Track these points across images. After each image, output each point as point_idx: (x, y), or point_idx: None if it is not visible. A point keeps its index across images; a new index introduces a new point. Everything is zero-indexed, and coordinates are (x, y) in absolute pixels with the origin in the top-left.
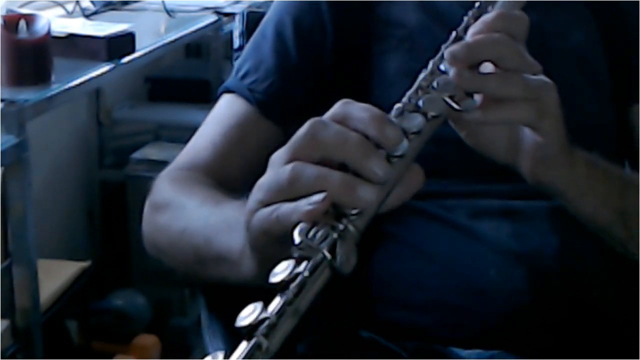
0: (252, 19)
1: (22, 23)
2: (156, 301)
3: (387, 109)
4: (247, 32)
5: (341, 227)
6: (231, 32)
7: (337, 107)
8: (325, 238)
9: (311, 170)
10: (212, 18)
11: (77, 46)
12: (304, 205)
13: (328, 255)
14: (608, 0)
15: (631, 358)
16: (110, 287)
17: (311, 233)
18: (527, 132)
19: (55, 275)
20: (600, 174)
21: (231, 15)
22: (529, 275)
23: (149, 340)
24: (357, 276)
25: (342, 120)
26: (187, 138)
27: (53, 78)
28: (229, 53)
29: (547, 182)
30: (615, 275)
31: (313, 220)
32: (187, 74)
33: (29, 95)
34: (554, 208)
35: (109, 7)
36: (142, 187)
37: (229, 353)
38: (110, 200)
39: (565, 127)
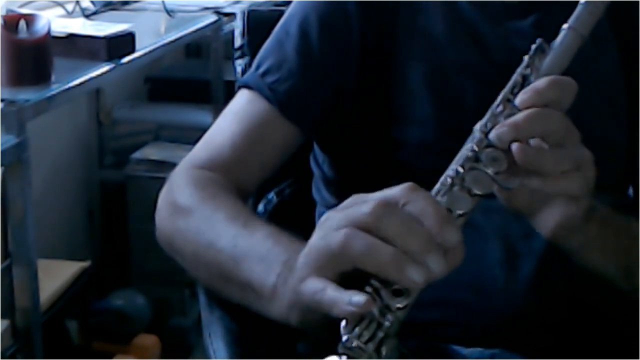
0: (254, 18)
1: (22, 23)
2: (156, 301)
3: (406, 118)
4: (249, 31)
5: (387, 324)
6: (232, 32)
7: (403, 191)
8: (372, 336)
9: (363, 240)
10: (212, 18)
11: (77, 46)
12: (346, 302)
13: (374, 355)
14: (632, 26)
15: (631, 358)
16: (110, 287)
17: (358, 330)
18: (563, 202)
19: (55, 275)
20: (611, 233)
21: (231, 15)
22: (532, 274)
23: (149, 340)
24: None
25: (405, 204)
26: (187, 138)
27: (53, 78)
28: (229, 53)
29: (562, 242)
30: None
31: (362, 316)
32: (187, 74)
33: (29, 95)
34: None
35: (109, 7)
36: (142, 187)
37: None
38: (110, 200)
39: None
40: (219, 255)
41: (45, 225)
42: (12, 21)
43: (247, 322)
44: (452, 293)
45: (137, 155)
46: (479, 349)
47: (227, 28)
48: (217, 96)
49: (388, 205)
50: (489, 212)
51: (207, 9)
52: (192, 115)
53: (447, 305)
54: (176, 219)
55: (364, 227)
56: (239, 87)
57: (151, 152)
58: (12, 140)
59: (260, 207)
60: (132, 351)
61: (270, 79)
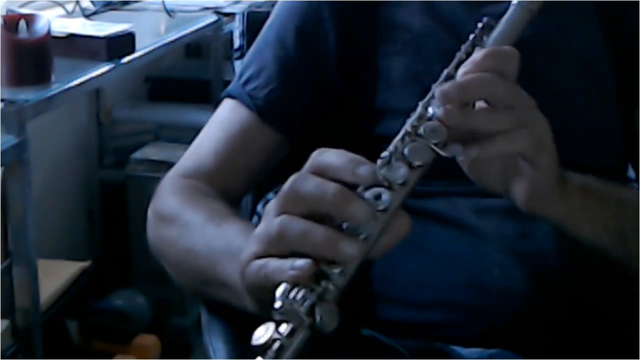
0: (253, 19)
1: (22, 23)
2: (156, 301)
3: (391, 112)
4: (248, 32)
5: (320, 289)
6: (231, 32)
7: (312, 158)
8: (304, 301)
9: (296, 225)
10: (212, 18)
11: (77, 46)
12: (288, 268)
13: (306, 319)
14: (613, 2)
15: (631, 358)
16: (110, 287)
17: (292, 295)
18: (523, 166)
19: (55, 275)
20: (595, 201)
21: (231, 15)
22: (531, 274)
23: (149, 340)
24: (360, 274)
25: (319, 171)
26: (187, 138)
27: (53, 78)
28: (229, 53)
29: (542, 214)
30: (615, 275)
31: (296, 283)
32: (187, 74)
33: (29, 95)
34: None
35: (109, 7)
36: (142, 187)
37: None
38: (110, 200)
39: (567, 140)
40: (197, 260)
41: (45, 225)
42: (12, 21)
43: (247, 322)
44: (451, 294)
45: (137, 155)
46: (478, 349)
47: (227, 28)
48: (217, 96)
49: (301, 176)
50: (484, 212)
51: (207, 9)
52: (192, 115)
53: (446, 306)
54: (160, 227)
55: (291, 205)
56: (223, 97)
57: (151, 152)
58: (12, 140)
59: (260, 207)
60: (132, 351)
61: (250, 86)
